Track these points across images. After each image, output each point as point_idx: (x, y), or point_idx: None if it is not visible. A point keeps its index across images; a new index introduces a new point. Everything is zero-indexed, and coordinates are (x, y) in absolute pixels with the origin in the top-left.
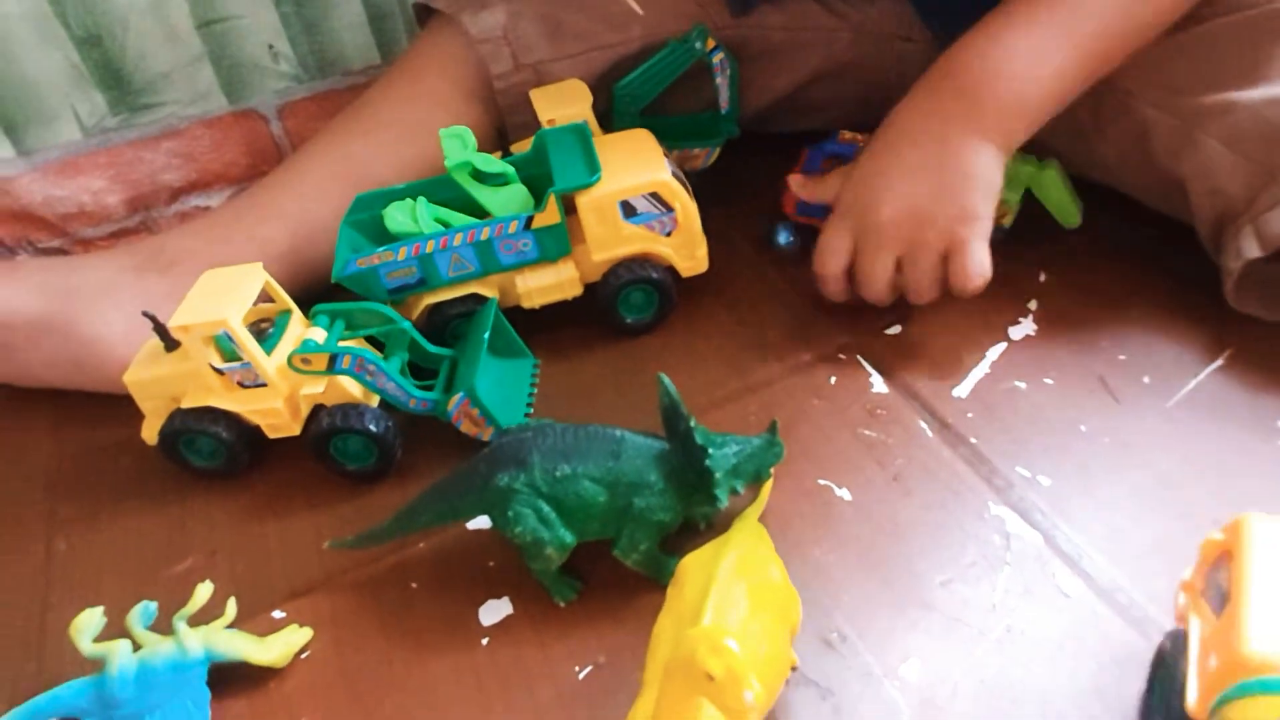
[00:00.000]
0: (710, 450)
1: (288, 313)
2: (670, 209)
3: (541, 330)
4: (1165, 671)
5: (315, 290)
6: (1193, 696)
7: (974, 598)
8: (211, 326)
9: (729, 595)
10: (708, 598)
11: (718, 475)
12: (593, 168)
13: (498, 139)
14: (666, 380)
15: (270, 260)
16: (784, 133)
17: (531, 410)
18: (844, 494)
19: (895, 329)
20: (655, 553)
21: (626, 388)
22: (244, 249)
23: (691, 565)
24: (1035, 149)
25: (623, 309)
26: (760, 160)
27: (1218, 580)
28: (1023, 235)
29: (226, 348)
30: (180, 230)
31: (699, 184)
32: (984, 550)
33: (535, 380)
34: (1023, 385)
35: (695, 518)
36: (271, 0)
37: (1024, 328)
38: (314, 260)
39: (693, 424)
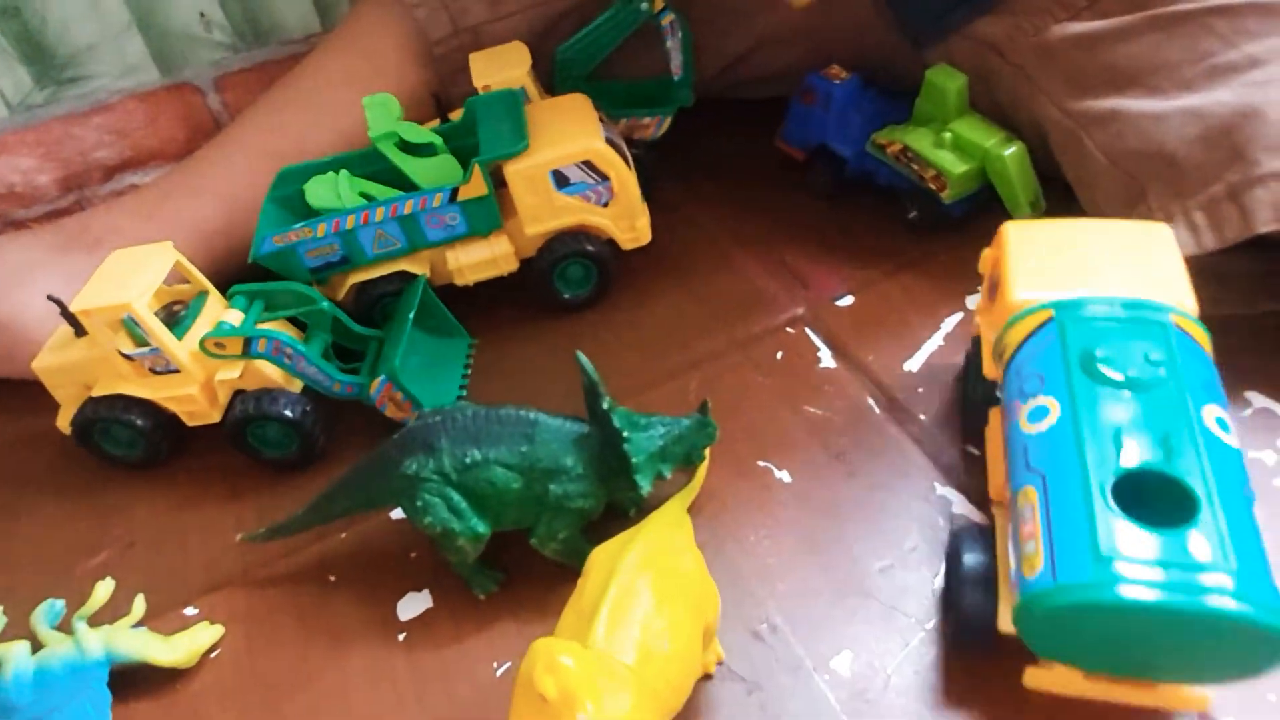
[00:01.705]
0: (630, 434)
1: (204, 294)
2: (605, 178)
3: (478, 308)
4: (971, 366)
5: (251, 271)
6: (987, 364)
7: (914, 584)
8: (115, 310)
9: (630, 591)
10: (606, 594)
11: (637, 460)
12: (520, 136)
13: (438, 108)
14: (584, 359)
15: (202, 239)
16: (742, 100)
17: (465, 393)
18: (784, 476)
19: (847, 300)
20: (577, 541)
21: (566, 366)
22: (173, 227)
23: (599, 558)
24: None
25: (560, 284)
26: (718, 130)
27: (992, 279)
28: (982, 204)
29: (138, 333)
30: (106, 207)
31: (654, 155)
32: (927, 534)
33: (470, 360)
34: None
35: (623, 503)
36: None
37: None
38: (248, 239)
39: (609, 405)
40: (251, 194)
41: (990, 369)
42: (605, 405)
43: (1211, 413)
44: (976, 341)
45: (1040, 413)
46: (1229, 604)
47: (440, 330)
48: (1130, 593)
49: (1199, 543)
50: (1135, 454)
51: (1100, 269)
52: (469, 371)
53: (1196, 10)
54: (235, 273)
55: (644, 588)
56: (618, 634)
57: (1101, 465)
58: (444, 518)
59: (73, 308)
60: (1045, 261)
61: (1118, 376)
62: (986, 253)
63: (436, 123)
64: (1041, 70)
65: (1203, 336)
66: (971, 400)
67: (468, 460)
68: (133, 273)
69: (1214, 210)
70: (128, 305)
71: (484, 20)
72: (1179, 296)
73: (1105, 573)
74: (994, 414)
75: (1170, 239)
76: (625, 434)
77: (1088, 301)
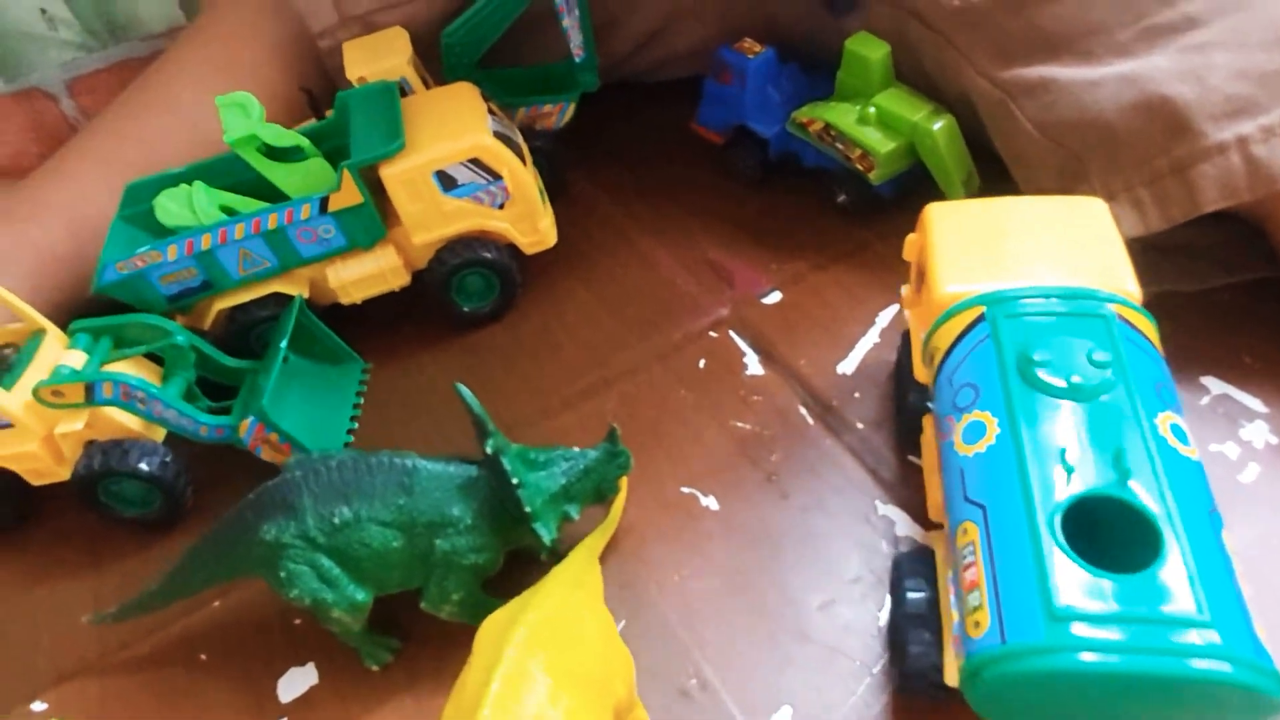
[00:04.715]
0: (525, 477)
1: (41, 333)
2: (497, 176)
3: (371, 328)
4: (902, 365)
5: (109, 303)
6: (917, 366)
7: (857, 621)
8: None
9: (518, 678)
10: (489, 685)
11: (534, 507)
12: (394, 135)
13: (313, 106)
14: (465, 392)
15: (48, 264)
16: (648, 82)
17: (356, 425)
18: (710, 502)
19: (774, 296)
20: (476, 599)
21: (470, 388)
22: (15, 254)
23: (485, 636)
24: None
25: (459, 297)
26: (627, 114)
27: (919, 269)
28: (916, 183)
29: None
30: None
31: (559, 146)
32: (870, 561)
33: (363, 388)
34: None
35: (532, 549)
36: None
37: None
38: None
39: (495, 446)
40: (101, 213)
41: (921, 372)
42: (490, 447)
43: (1166, 420)
44: (906, 338)
45: (976, 430)
46: (1206, 665)
47: (328, 356)
48: (1090, 658)
49: (1165, 587)
50: (1085, 478)
51: (1033, 254)
52: (362, 401)
53: None
54: (88, 302)
55: (535, 671)
56: None
57: (1047, 495)
58: (313, 588)
59: None
60: (973, 248)
61: (1059, 383)
62: (911, 238)
63: (312, 122)
64: (965, 37)
65: (1149, 327)
66: (905, 405)
67: (336, 520)
68: None
69: (1158, 187)
70: None
71: (374, 8)
72: (1120, 282)
73: (1061, 634)
74: (928, 422)
75: (1106, 215)
76: (517, 480)
77: (1021, 294)
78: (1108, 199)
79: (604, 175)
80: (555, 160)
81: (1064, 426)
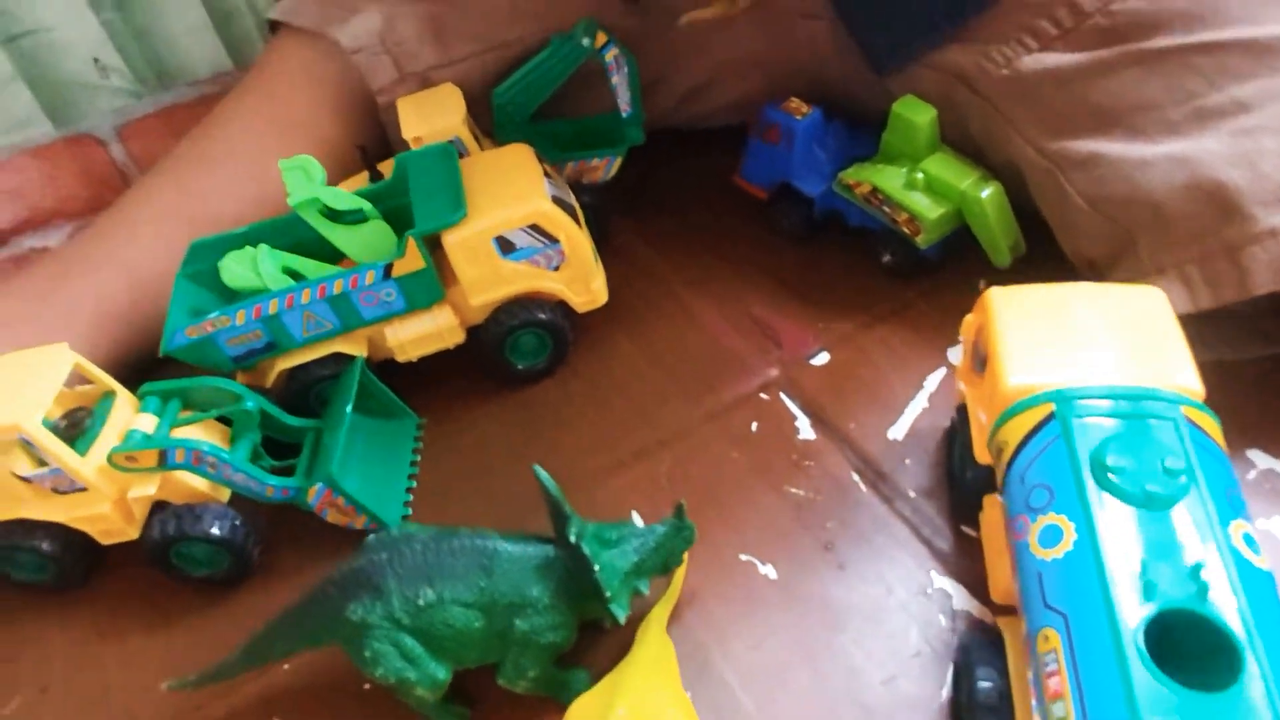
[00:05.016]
0: (601, 559)
1: (111, 394)
2: (554, 240)
3: (424, 381)
4: (957, 439)
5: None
6: (978, 448)
7: (920, 697)
8: (4, 432)
9: None
10: None
11: (612, 590)
12: (457, 203)
13: (366, 161)
14: (545, 476)
15: (107, 320)
16: (692, 130)
17: (414, 483)
18: (769, 571)
19: (822, 357)
20: (550, 674)
21: (523, 446)
22: (73, 309)
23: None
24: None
25: (513, 356)
26: (670, 162)
27: (978, 348)
28: (961, 243)
29: (36, 452)
30: None
31: (605, 198)
32: (928, 634)
33: (419, 444)
34: None
35: (599, 620)
36: (89, 6)
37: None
38: (160, 316)
39: (577, 534)
40: (159, 266)
41: (983, 454)
42: (573, 535)
43: (1238, 530)
44: (962, 411)
45: (1053, 535)
46: None
47: (383, 412)
48: None
49: (1249, 707)
50: (1165, 591)
51: (1097, 347)
52: (418, 457)
53: (1178, 47)
54: (145, 356)
55: None
56: None
57: (1130, 608)
58: (397, 667)
59: None
60: (1037, 338)
61: (1135, 491)
62: (968, 319)
63: (365, 178)
64: (1014, 106)
65: (1214, 428)
66: (961, 480)
67: (421, 602)
68: (24, 383)
69: (1209, 267)
70: (16, 426)
71: (433, 65)
72: (1185, 380)
73: None
74: (990, 503)
75: (1165, 305)
76: (597, 565)
77: (1090, 393)
78: (1156, 273)
79: (646, 224)
80: (601, 213)
81: (1141, 536)
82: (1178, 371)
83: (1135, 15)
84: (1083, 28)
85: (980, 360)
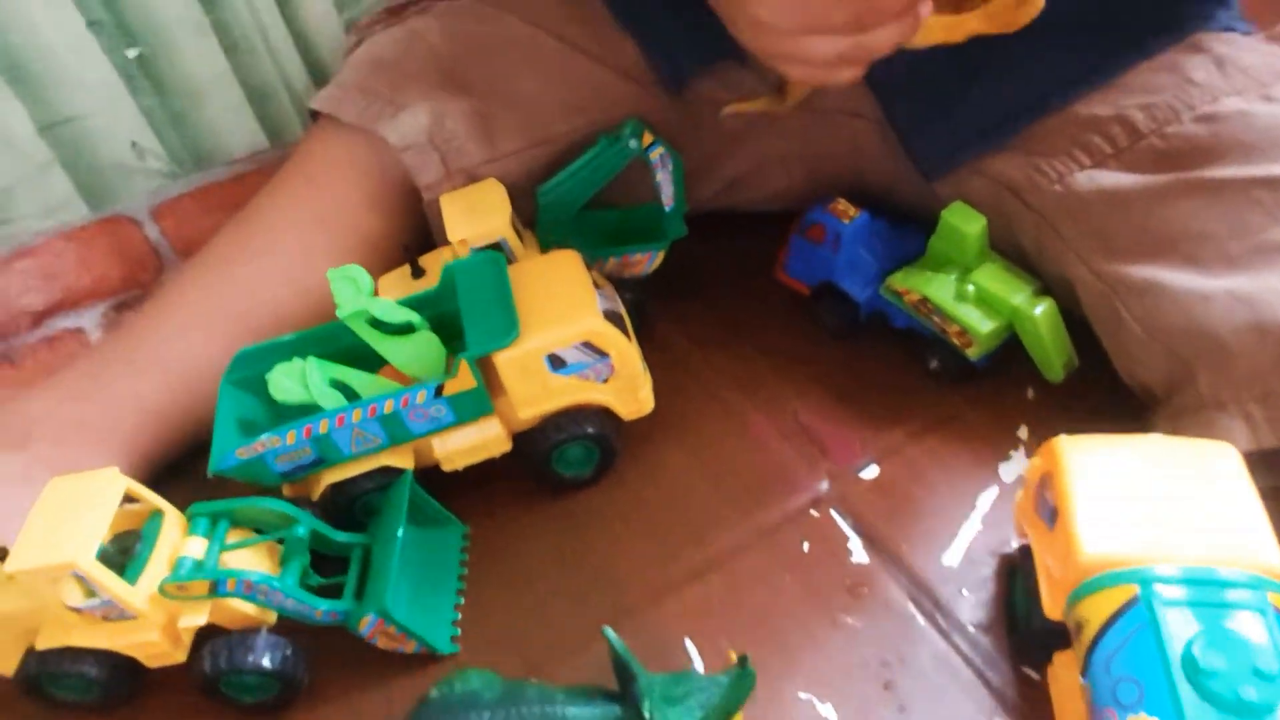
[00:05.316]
0: (668, 717)
1: (159, 514)
2: (605, 355)
3: (468, 487)
4: (1020, 579)
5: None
6: (1048, 602)
7: None
8: (57, 570)
9: None
10: None
11: None
12: (509, 323)
13: (410, 259)
14: (615, 640)
15: (147, 419)
16: (731, 212)
17: (462, 600)
18: (829, 712)
19: (872, 470)
20: None
21: (570, 559)
22: (113, 409)
23: None
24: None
25: (559, 466)
26: (710, 246)
27: (1045, 497)
28: (1008, 350)
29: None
30: (36, 391)
31: (646, 293)
32: None
33: (465, 555)
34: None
35: None
36: (128, 92)
37: (1015, 464)
38: (201, 414)
39: (650, 706)
40: (200, 363)
41: (1054, 611)
42: (648, 711)
43: None
44: (1026, 552)
45: None
46: None
47: (429, 522)
48: None
49: None
50: None
51: (1176, 516)
52: (465, 570)
53: (1238, 179)
54: (185, 452)
55: None
56: None
57: None
58: None
59: (8, 568)
60: (1112, 498)
61: (1229, 696)
62: (1034, 463)
63: (407, 271)
64: (1067, 222)
65: None
66: (1027, 626)
67: None
68: (75, 514)
69: (1272, 405)
70: (72, 564)
71: (481, 161)
72: (1268, 558)
73: None
74: (1062, 663)
75: (1240, 465)
76: None
77: (1176, 578)
78: (1216, 408)
79: (687, 317)
80: (643, 310)
81: None
82: (1260, 548)
83: (1192, 140)
84: (1137, 148)
85: (1049, 511)
